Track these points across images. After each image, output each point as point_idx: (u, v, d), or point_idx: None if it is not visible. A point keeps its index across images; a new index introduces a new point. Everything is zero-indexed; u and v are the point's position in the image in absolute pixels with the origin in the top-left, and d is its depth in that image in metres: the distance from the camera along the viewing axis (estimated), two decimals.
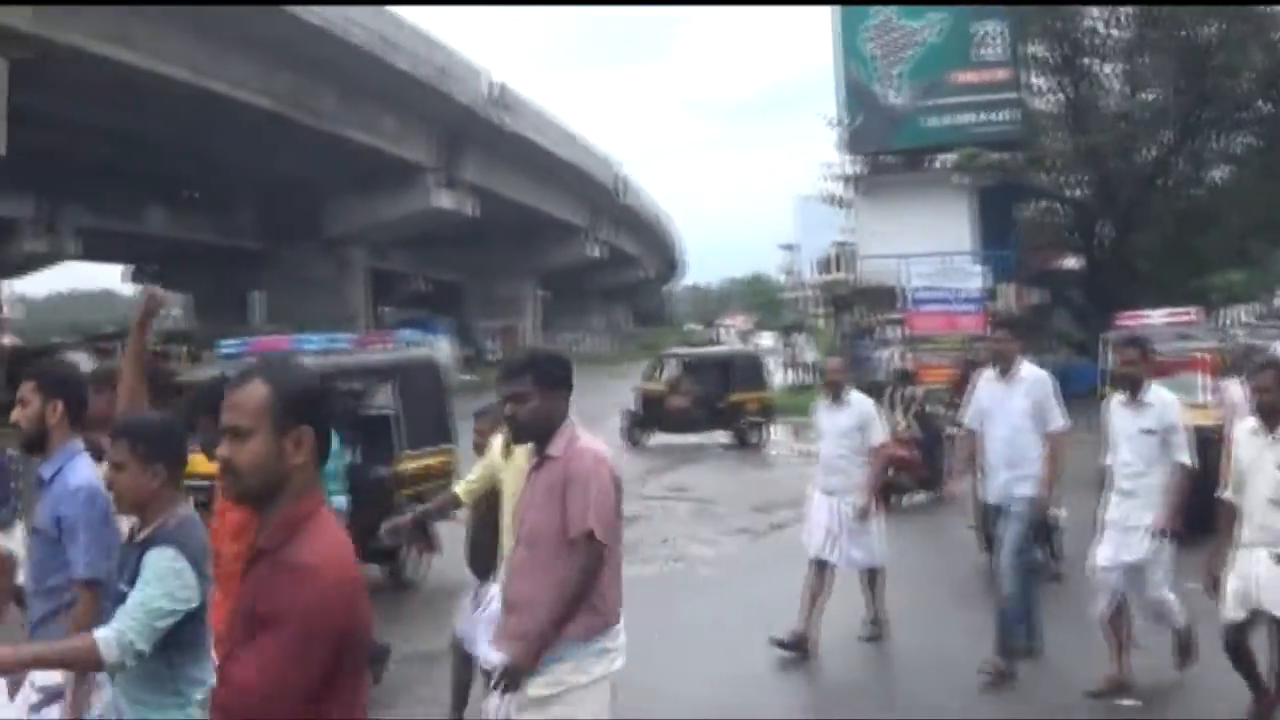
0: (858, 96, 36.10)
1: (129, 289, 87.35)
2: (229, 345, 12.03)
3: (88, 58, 26.00)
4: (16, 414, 4.62)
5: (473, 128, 47.09)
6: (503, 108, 48.82)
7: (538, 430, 4.54)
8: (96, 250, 50.50)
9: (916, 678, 8.36)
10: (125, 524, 4.15)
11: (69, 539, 4.33)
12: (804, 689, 8.34)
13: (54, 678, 4.27)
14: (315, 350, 11.07)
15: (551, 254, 68.06)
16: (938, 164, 35.76)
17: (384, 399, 12.00)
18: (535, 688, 4.40)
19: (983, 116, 34.74)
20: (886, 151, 36.60)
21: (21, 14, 23.28)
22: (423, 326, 51.06)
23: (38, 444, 4.60)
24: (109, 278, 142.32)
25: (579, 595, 4.38)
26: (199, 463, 4.94)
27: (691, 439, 25.79)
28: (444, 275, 68.93)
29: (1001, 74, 34.59)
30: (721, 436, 25.83)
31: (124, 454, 3.87)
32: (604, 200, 69.86)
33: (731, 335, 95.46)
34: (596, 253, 71.30)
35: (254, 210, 48.87)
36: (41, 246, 42.65)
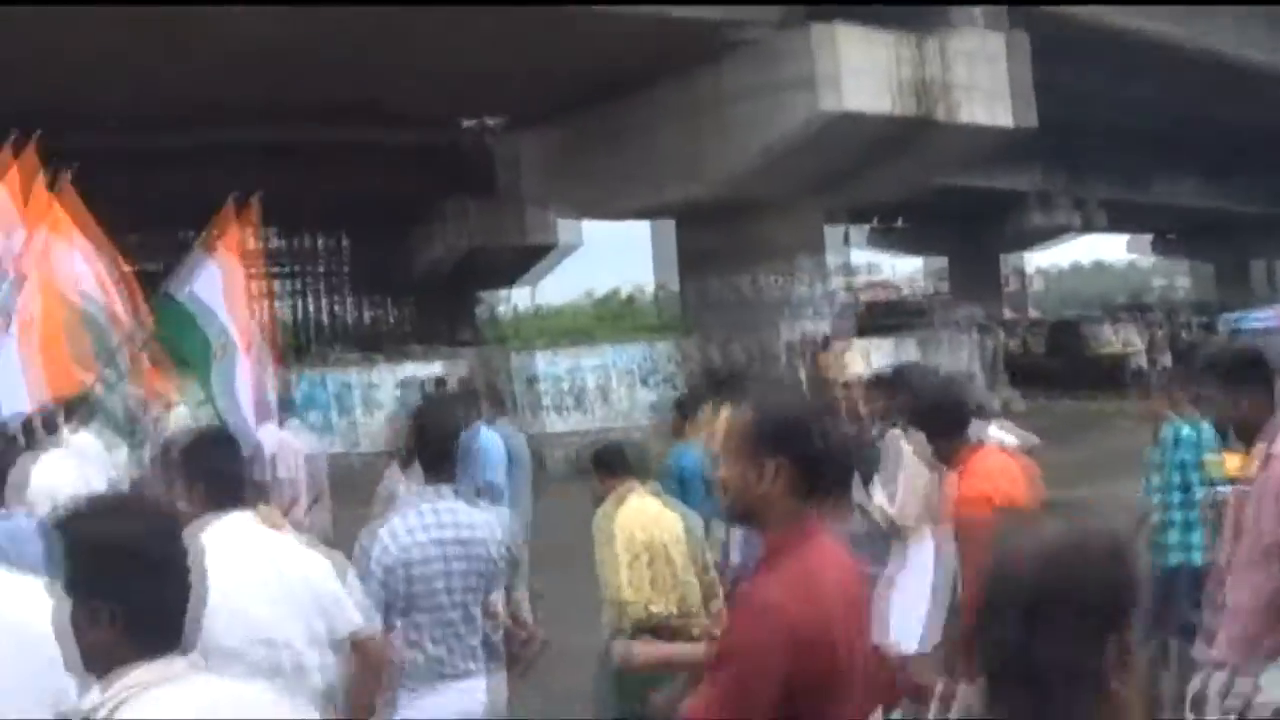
0: None
1: (1145, 260, 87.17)
2: (1255, 317, 11.08)
3: (1105, 30, 26.15)
4: None
5: None
6: None
7: (1245, 430, 4.48)
8: (1116, 221, 51.34)
9: None
10: None
11: None
12: None
13: None
14: None
15: None
16: None
17: None
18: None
19: None
20: None
21: None
22: None
23: None
24: (1113, 248, 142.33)
25: (1268, 604, 4.03)
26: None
27: None
28: None
29: None
30: None
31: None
32: None
33: None
34: None
35: (1266, 175, 46.54)
36: (1059, 219, 44.28)
